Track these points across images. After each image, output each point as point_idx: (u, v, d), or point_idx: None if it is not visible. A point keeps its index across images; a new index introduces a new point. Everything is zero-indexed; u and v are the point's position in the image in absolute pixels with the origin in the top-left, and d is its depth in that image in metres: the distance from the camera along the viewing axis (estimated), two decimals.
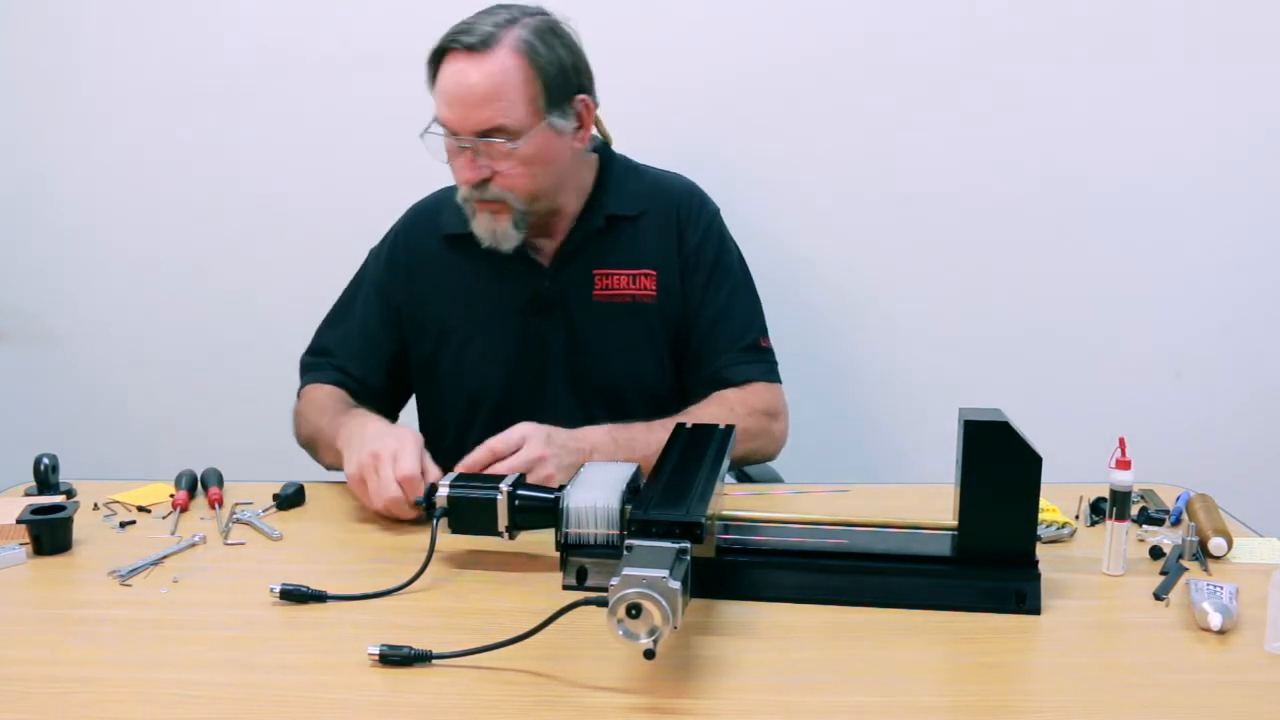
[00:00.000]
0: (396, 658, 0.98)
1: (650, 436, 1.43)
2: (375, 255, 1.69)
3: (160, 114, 2.14)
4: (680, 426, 1.35)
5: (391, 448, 1.32)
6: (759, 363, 1.62)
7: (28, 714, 0.92)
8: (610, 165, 1.64)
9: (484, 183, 1.48)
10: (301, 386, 1.65)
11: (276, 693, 0.95)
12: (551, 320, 1.59)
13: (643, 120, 2.04)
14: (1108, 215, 2.06)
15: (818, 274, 2.11)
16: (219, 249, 2.18)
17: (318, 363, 1.65)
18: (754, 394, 1.59)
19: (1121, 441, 1.14)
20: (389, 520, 1.35)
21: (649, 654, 0.91)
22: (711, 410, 1.54)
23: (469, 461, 1.33)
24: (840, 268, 2.11)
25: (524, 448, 1.34)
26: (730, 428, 1.34)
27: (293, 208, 2.13)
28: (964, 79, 2.03)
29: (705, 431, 1.32)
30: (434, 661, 0.98)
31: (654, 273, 1.60)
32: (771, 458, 1.64)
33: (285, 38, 2.08)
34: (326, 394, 1.59)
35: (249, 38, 2.10)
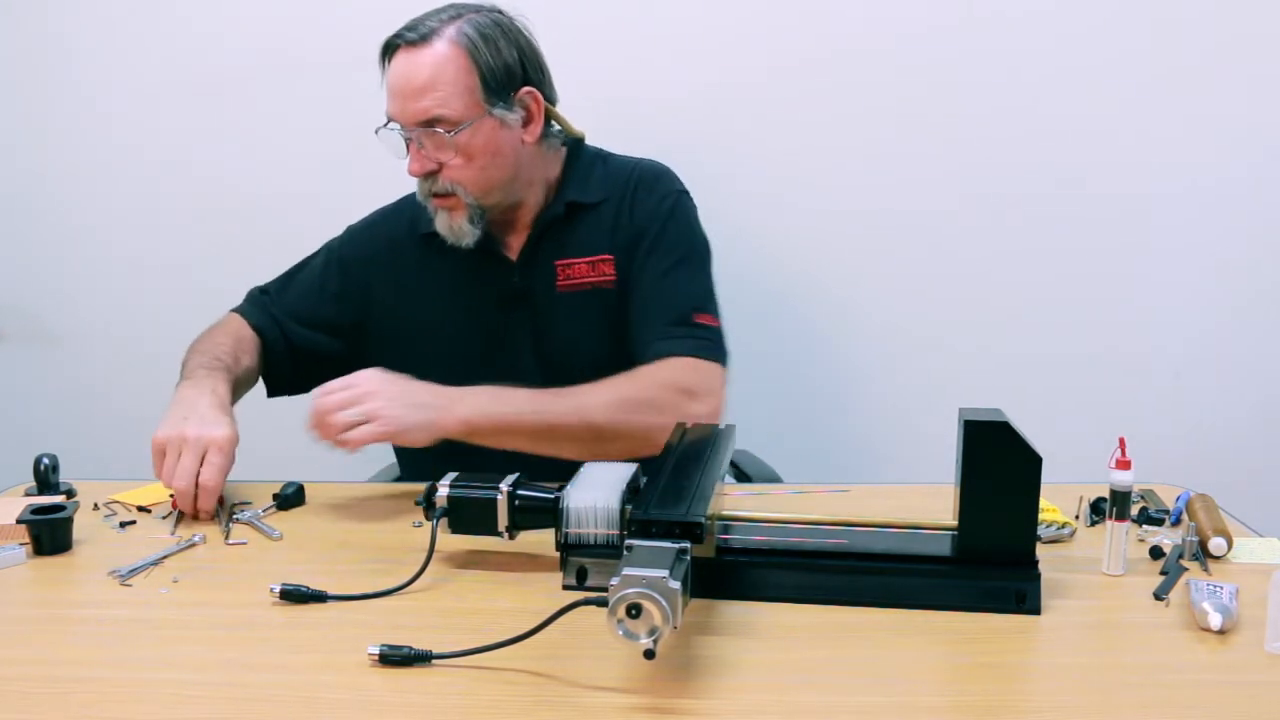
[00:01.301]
0: (396, 658, 0.97)
1: (537, 398, 1.42)
2: (350, 233, 1.71)
3: (160, 114, 2.15)
4: (680, 426, 1.35)
5: (206, 441, 1.35)
6: (688, 338, 1.53)
7: (28, 714, 0.92)
8: (577, 157, 1.64)
9: (433, 176, 1.51)
10: (232, 310, 1.68)
11: (276, 693, 0.95)
12: (520, 315, 1.60)
13: (645, 120, 2.05)
14: (1107, 216, 2.07)
15: (819, 274, 2.11)
16: (219, 249, 2.18)
17: (257, 299, 1.69)
18: (670, 368, 1.50)
19: (1121, 441, 1.14)
20: (389, 520, 1.36)
21: (649, 654, 0.91)
22: (618, 379, 1.47)
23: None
24: (840, 268, 2.11)
25: (354, 385, 1.35)
26: (730, 427, 1.34)
27: (293, 207, 2.13)
28: (963, 82, 2.04)
29: (705, 431, 1.32)
30: (434, 661, 0.98)
31: (611, 258, 1.59)
32: None
33: (285, 38, 2.09)
34: (234, 338, 1.61)
35: (249, 38, 2.10)
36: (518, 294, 1.60)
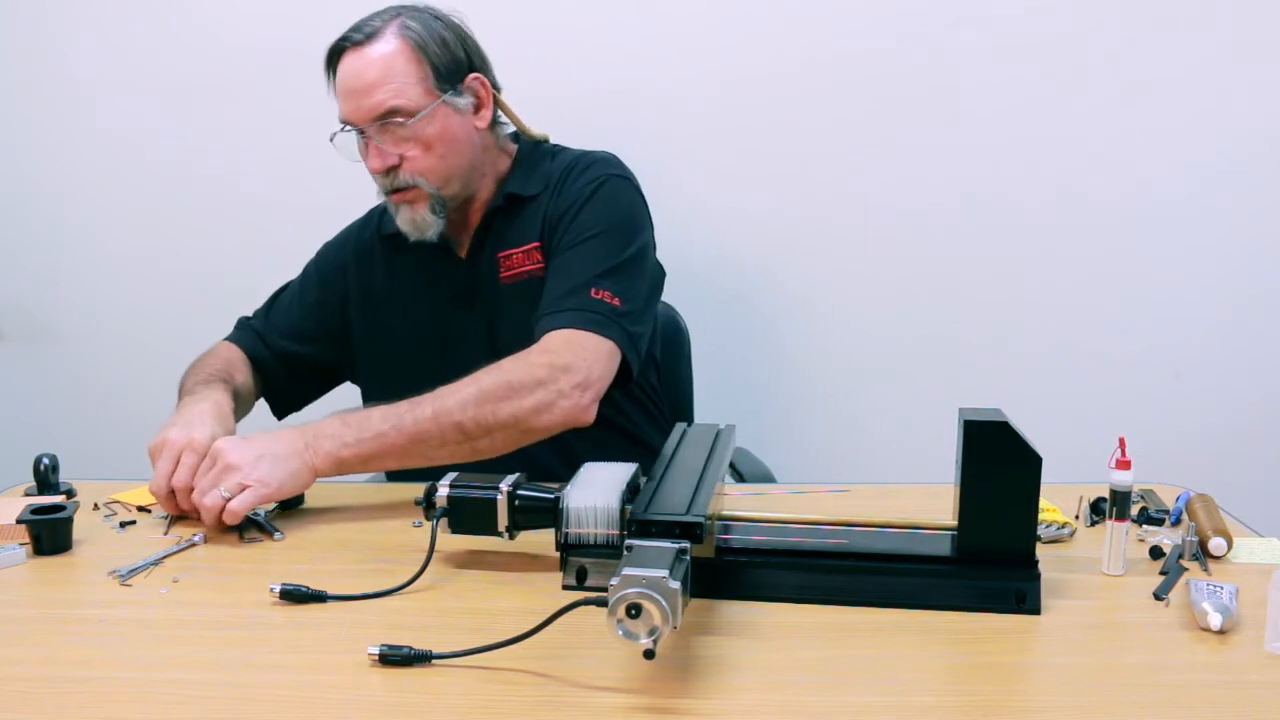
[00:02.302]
0: (396, 658, 0.97)
1: (392, 413, 1.37)
2: (325, 247, 1.74)
3: (161, 113, 2.15)
4: (680, 426, 1.35)
5: (183, 444, 1.34)
6: (574, 310, 1.46)
7: (28, 714, 0.92)
8: (528, 153, 1.65)
9: (393, 171, 1.52)
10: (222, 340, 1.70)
11: (276, 693, 0.94)
12: (473, 311, 1.61)
13: (647, 120, 2.05)
14: (1108, 216, 2.07)
15: (819, 273, 2.11)
16: (219, 248, 2.18)
17: (243, 324, 1.72)
18: (546, 344, 1.43)
19: (1121, 441, 1.14)
20: (389, 520, 1.36)
21: (649, 654, 0.91)
22: (482, 374, 1.40)
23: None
24: (841, 267, 2.11)
25: (214, 462, 1.31)
26: (730, 427, 1.34)
27: (294, 206, 2.14)
28: (965, 82, 2.04)
29: (705, 431, 1.32)
30: (434, 661, 0.98)
31: (539, 244, 1.58)
32: (555, 424, 1.41)
33: (285, 37, 2.09)
34: (223, 359, 1.63)
35: (249, 37, 2.10)
36: (467, 290, 1.61)
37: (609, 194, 1.58)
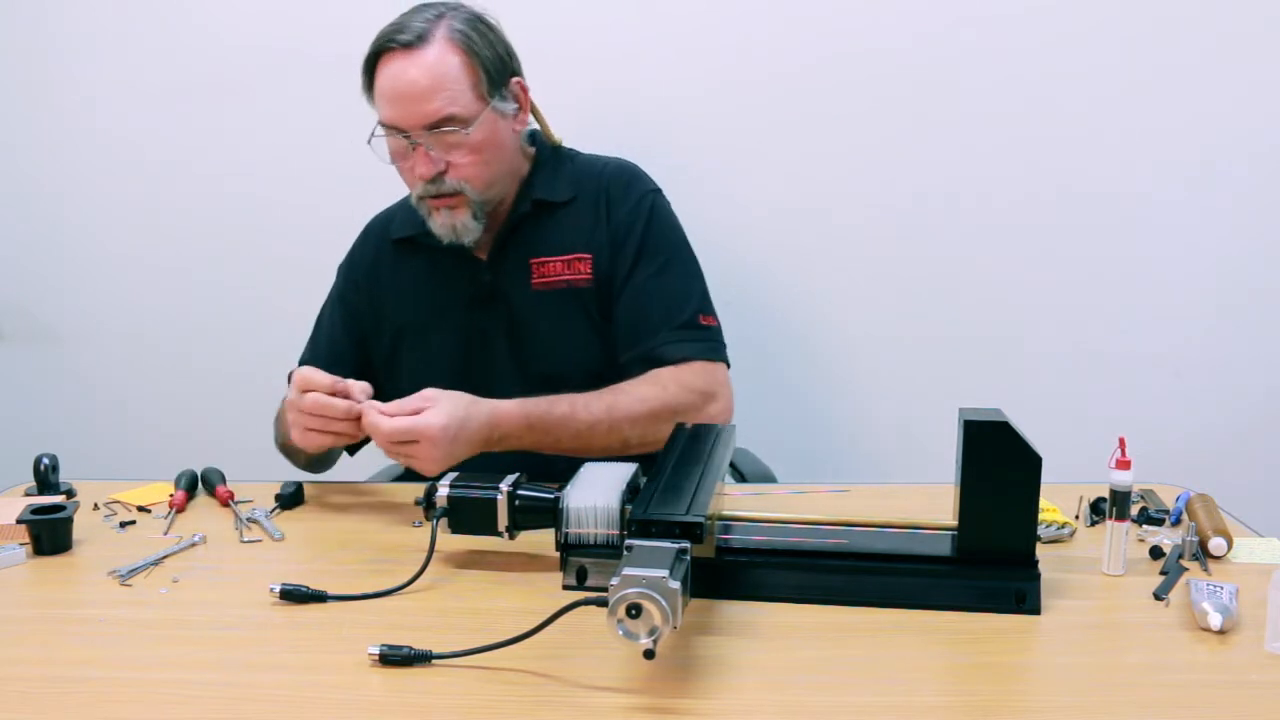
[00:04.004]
0: (396, 658, 0.98)
1: (570, 424, 1.44)
2: (339, 270, 1.73)
3: (161, 114, 2.15)
4: (680, 427, 1.35)
5: (295, 385, 1.38)
6: (697, 340, 1.56)
7: (28, 714, 0.92)
8: (543, 155, 1.65)
9: (439, 177, 1.50)
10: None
11: (277, 693, 0.95)
12: (493, 313, 1.60)
13: (644, 120, 2.05)
14: (1107, 216, 2.07)
15: (819, 273, 2.11)
16: (219, 248, 2.18)
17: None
18: (689, 371, 1.53)
19: (1121, 441, 1.14)
20: (389, 520, 1.36)
21: (649, 654, 0.91)
22: (643, 389, 1.49)
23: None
24: (841, 267, 2.11)
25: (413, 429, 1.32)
26: (731, 427, 1.35)
27: (293, 206, 2.14)
28: (965, 82, 2.03)
29: (705, 431, 1.32)
30: (434, 661, 0.98)
31: (589, 256, 1.58)
32: None
33: (285, 37, 2.09)
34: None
35: (249, 37, 2.10)
36: (489, 293, 1.60)
37: (664, 213, 1.64)
